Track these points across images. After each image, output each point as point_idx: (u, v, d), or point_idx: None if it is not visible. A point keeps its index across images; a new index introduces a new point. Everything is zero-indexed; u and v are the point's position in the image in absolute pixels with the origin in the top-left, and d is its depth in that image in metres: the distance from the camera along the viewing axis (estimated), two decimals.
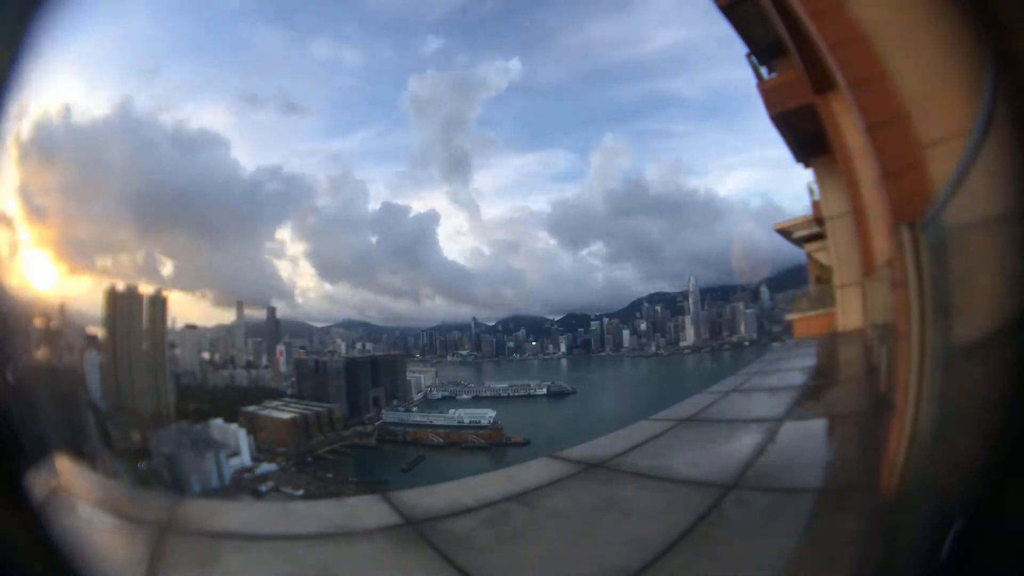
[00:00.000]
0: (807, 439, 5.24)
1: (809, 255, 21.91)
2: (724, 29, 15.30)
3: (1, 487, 2.04)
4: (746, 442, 4.94)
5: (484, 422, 62.20)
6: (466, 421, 62.40)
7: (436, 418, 64.18)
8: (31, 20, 2.32)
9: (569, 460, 4.74)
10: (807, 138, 15.23)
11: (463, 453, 59.38)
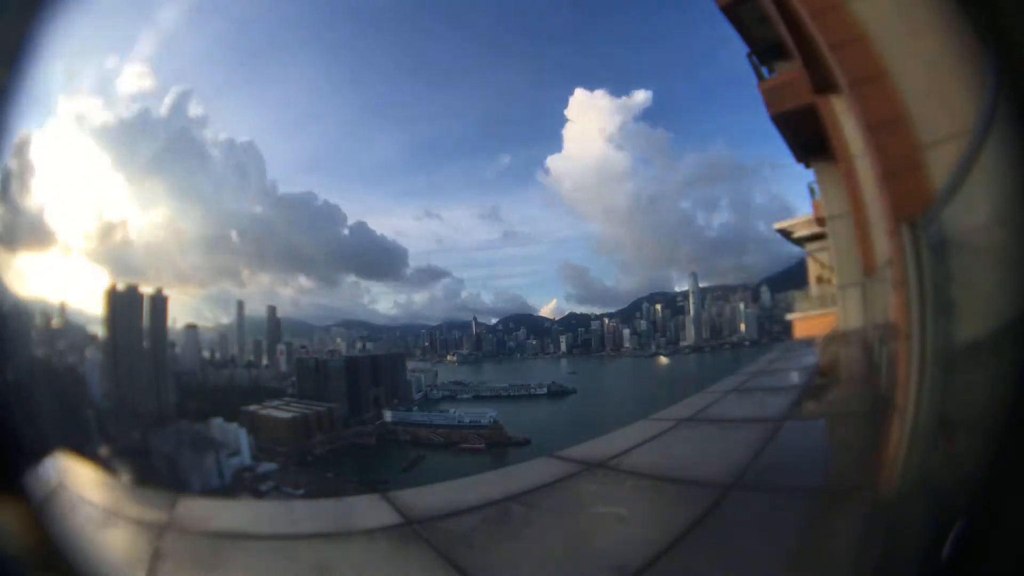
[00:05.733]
0: (807, 439, 5.25)
1: (809, 255, 21.92)
2: (724, 28, 15.31)
3: (1, 487, 2.04)
4: (746, 442, 4.93)
5: (484, 421, 62.13)
6: (466, 420, 62.34)
7: (436, 417, 64.15)
8: (35, 17, 2.31)
9: (569, 460, 4.74)
10: (807, 138, 15.24)
11: (463, 452, 59.38)
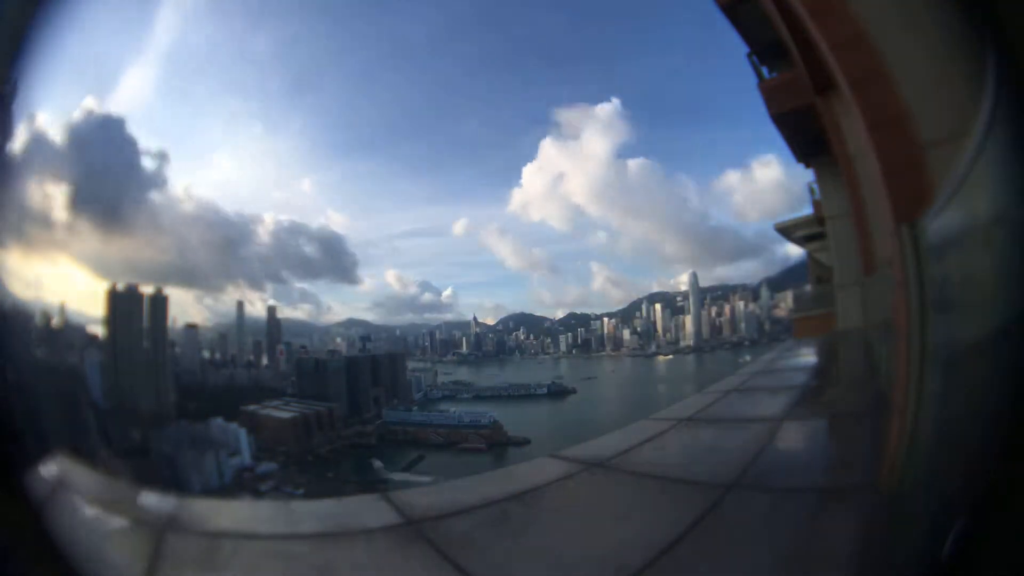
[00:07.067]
0: (807, 439, 5.25)
1: (810, 255, 21.94)
2: (725, 28, 15.34)
3: (1, 486, 2.04)
4: (746, 442, 4.93)
5: (484, 421, 62.21)
6: (466, 420, 62.40)
7: (436, 417, 64.19)
8: (34, 18, 2.31)
9: (569, 460, 4.74)
10: (807, 138, 15.25)
11: (463, 452, 59.43)
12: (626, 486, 4.24)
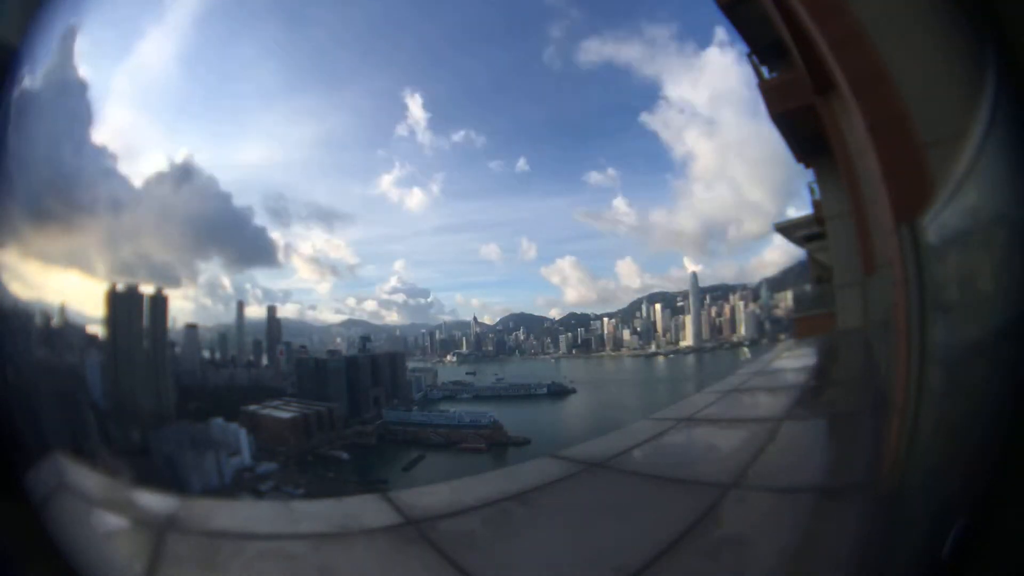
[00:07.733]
0: (807, 439, 5.25)
1: (810, 255, 21.94)
2: (725, 28, 15.37)
3: (1, 486, 2.04)
4: (746, 442, 4.94)
5: (484, 421, 62.24)
6: (466, 420, 62.42)
7: (436, 417, 64.23)
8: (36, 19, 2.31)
9: (569, 460, 4.74)
10: (807, 138, 15.26)
11: (463, 452, 59.46)
12: (626, 486, 4.24)
